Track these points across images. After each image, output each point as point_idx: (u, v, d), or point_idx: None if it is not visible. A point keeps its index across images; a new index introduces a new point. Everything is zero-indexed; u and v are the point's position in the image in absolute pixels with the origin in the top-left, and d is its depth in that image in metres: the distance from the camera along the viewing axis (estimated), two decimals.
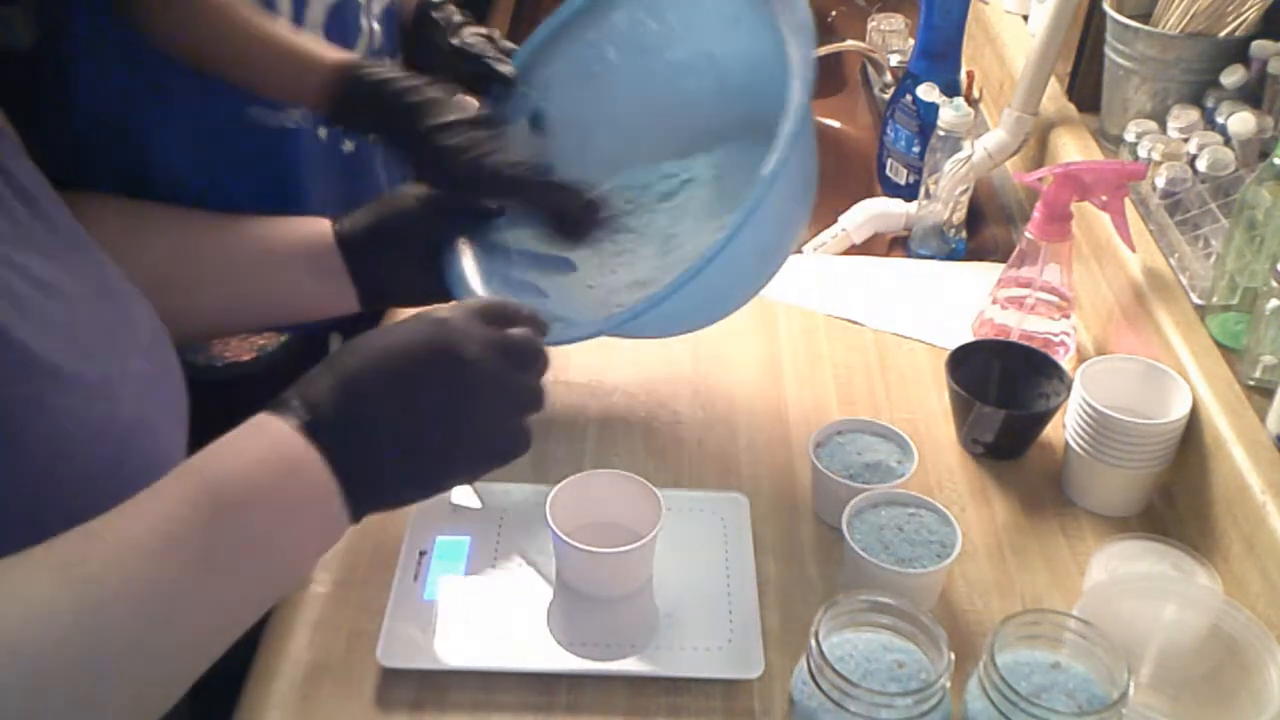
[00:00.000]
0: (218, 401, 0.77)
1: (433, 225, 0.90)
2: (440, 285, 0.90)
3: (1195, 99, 1.21)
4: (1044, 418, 1.02)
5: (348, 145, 1.10)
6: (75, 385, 0.58)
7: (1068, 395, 1.00)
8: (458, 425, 0.62)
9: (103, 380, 0.60)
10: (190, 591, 0.53)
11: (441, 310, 0.65)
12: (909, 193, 1.43)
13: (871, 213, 1.38)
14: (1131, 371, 0.99)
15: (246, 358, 1.11)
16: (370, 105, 0.91)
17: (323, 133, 1.07)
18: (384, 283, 0.90)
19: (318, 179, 1.07)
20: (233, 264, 0.87)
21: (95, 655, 0.49)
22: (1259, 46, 1.16)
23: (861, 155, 1.64)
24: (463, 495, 0.95)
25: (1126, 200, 1.07)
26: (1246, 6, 1.17)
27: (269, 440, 0.58)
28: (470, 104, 0.93)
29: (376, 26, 1.09)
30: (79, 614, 0.49)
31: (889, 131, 1.48)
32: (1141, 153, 1.16)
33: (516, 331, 0.66)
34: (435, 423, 0.61)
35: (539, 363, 0.67)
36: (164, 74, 0.96)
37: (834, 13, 2.00)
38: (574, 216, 0.93)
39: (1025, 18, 1.58)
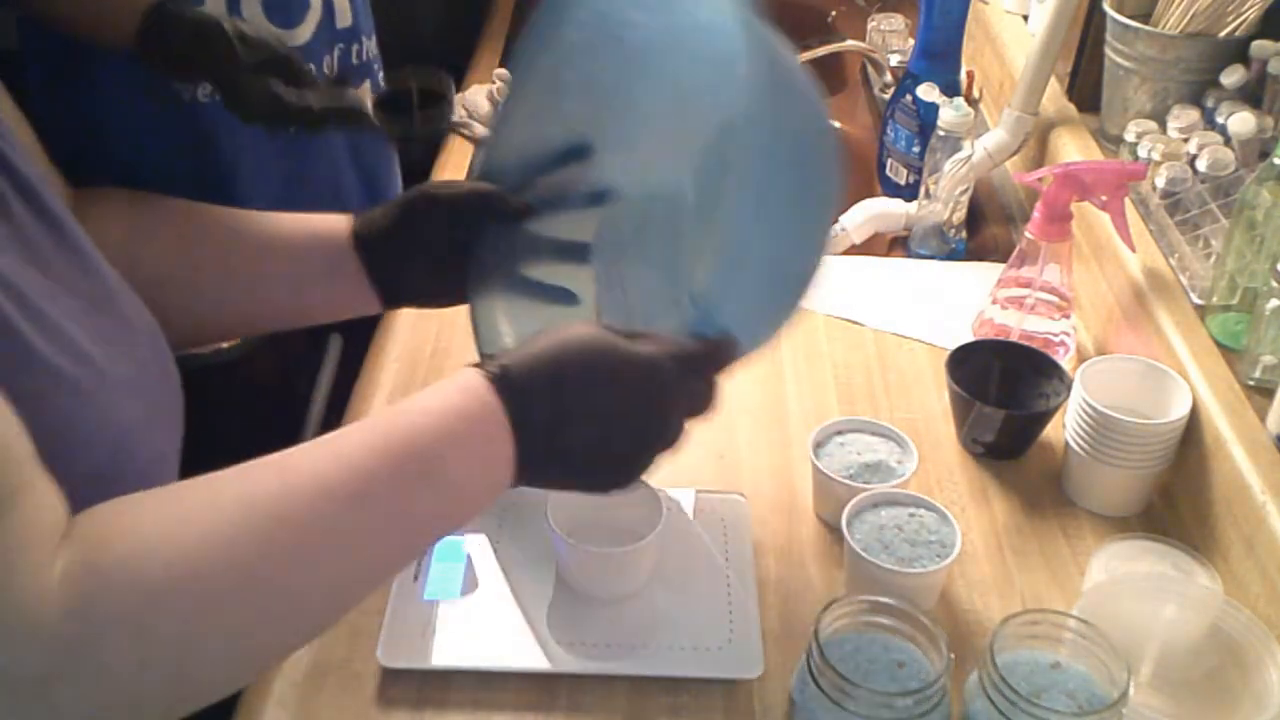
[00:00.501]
0: (205, 389, 0.77)
1: (456, 225, 0.86)
2: (461, 286, 0.87)
3: (1195, 99, 1.21)
4: (1044, 418, 1.02)
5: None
6: (75, 387, 0.59)
7: (1068, 395, 1.00)
8: (632, 432, 0.66)
9: (100, 383, 0.61)
10: (363, 523, 0.57)
11: (649, 342, 0.67)
12: (909, 193, 1.43)
13: (871, 213, 1.38)
14: (1131, 371, 0.99)
15: (226, 344, 1.11)
16: (181, 40, 0.91)
17: None
18: (404, 284, 0.87)
19: (247, 157, 1.07)
20: (241, 262, 0.84)
21: (270, 582, 0.54)
22: (1259, 46, 1.16)
23: (861, 155, 1.64)
24: None
25: (1126, 200, 1.07)
26: (1246, 6, 1.17)
27: (460, 384, 0.62)
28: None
29: (338, 2, 1.08)
30: (259, 542, 0.54)
31: (889, 131, 1.48)
32: (1141, 153, 1.16)
33: (702, 384, 0.69)
34: (612, 419, 0.65)
35: (703, 412, 0.69)
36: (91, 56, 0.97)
37: (834, 13, 2.00)
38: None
39: (1025, 18, 1.58)
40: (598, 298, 0.87)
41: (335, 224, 0.86)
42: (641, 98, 0.86)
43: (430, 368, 1.13)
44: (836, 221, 0.85)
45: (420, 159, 1.31)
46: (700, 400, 0.68)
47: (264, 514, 0.54)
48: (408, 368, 1.13)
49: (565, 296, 0.88)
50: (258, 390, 1.21)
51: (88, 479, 0.57)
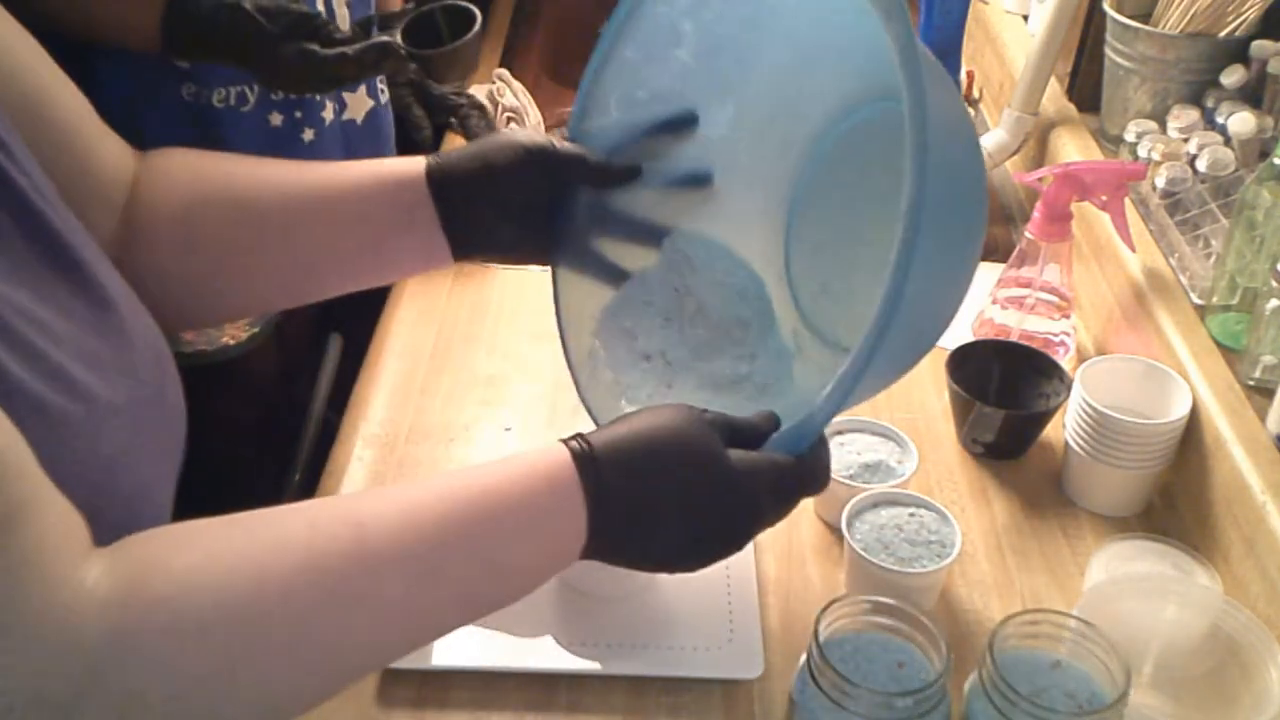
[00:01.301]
0: (206, 388, 0.76)
1: (539, 180, 0.79)
2: (535, 242, 0.82)
3: (1195, 99, 1.21)
4: (1044, 418, 1.02)
5: (308, 134, 1.10)
6: (58, 420, 0.56)
7: (1068, 395, 1.00)
8: (705, 534, 0.65)
9: (88, 414, 0.58)
10: (423, 597, 0.57)
11: (757, 463, 0.66)
12: None
13: None
14: (1131, 371, 0.99)
15: (232, 341, 1.11)
16: (204, 28, 0.92)
17: (277, 119, 1.07)
18: (477, 234, 0.80)
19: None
20: (305, 220, 0.78)
21: (314, 637, 0.54)
22: (1259, 46, 1.16)
23: None
24: None
25: (1126, 200, 1.07)
26: (1246, 6, 1.17)
27: (539, 455, 0.62)
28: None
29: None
30: (314, 594, 0.53)
31: None
32: (1141, 153, 1.16)
33: (786, 507, 0.69)
34: (691, 518, 0.64)
35: (774, 523, 0.69)
36: (92, 56, 0.97)
37: None
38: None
39: (1025, 18, 1.58)
40: (655, 292, 0.83)
41: (409, 167, 0.79)
42: (761, 52, 0.81)
43: (430, 368, 1.13)
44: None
45: (457, 80, 1.29)
46: (778, 517, 0.69)
47: (324, 569, 0.54)
48: (408, 368, 1.13)
49: (619, 279, 0.84)
50: (258, 390, 1.21)
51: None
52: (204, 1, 0.94)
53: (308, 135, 1.10)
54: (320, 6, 1.07)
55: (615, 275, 0.84)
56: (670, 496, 0.63)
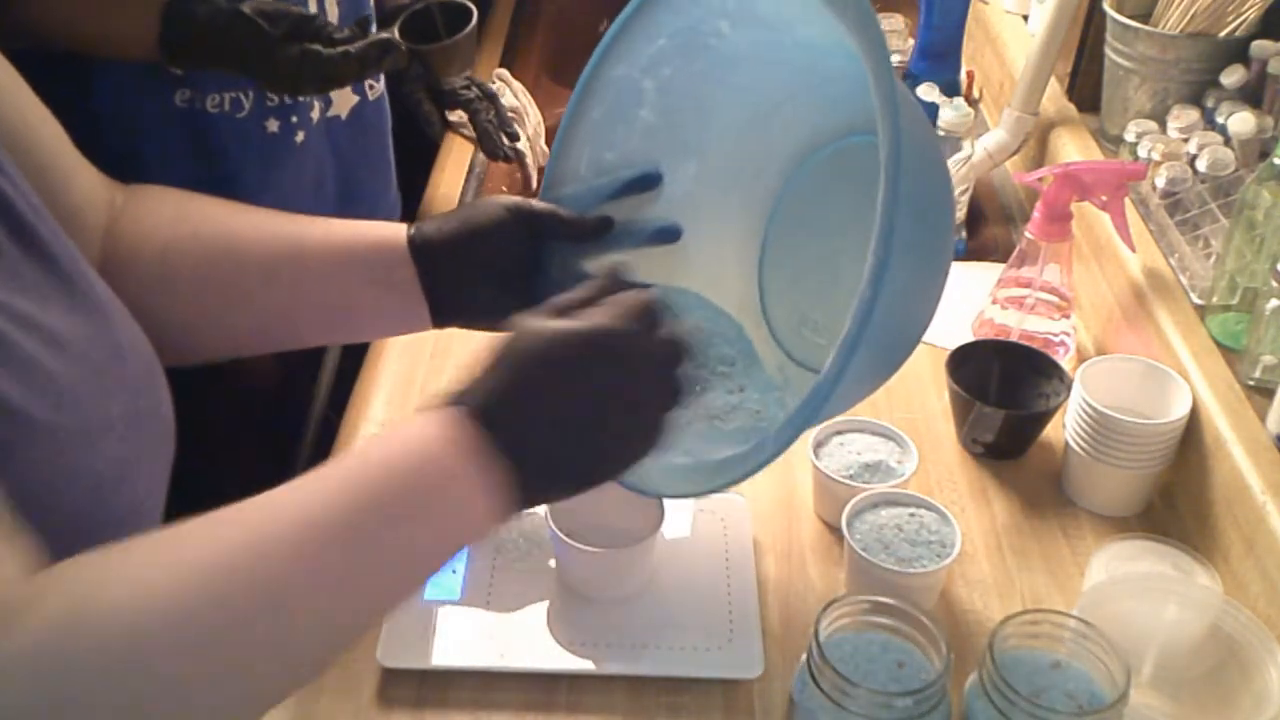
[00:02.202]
0: (205, 390, 0.76)
1: (520, 240, 0.80)
2: (517, 305, 0.78)
3: (1195, 99, 1.21)
4: (1044, 418, 1.02)
5: (299, 136, 1.10)
6: (50, 435, 0.56)
7: (1068, 395, 1.00)
8: (605, 418, 0.63)
9: (81, 429, 0.58)
10: (353, 561, 0.55)
11: (594, 313, 0.65)
12: None
13: None
14: (1131, 371, 0.99)
15: None
16: (202, 34, 0.92)
17: (273, 125, 1.07)
18: (459, 299, 0.80)
19: (254, 169, 1.07)
20: (282, 267, 0.78)
21: (259, 621, 0.52)
22: (1259, 46, 1.16)
23: None
24: None
25: (1126, 200, 1.07)
26: (1246, 6, 1.17)
27: (426, 420, 0.59)
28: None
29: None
30: (247, 581, 0.52)
31: None
32: (1141, 153, 1.16)
33: (662, 334, 0.66)
34: (587, 413, 0.62)
35: (679, 360, 0.67)
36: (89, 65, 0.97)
37: None
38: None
39: (1025, 18, 1.58)
40: None
41: (390, 231, 0.80)
42: (721, 105, 0.82)
43: (430, 368, 1.13)
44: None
45: (456, 74, 1.29)
46: (667, 352, 0.66)
47: (254, 554, 0.53)
48: (408, 368, 1.13)
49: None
50: (258, 391, 1.21)
51: (62, 525, 0.55)
52: (200, 9, 0.94)
53: (299, 137, 1.10)
54: (313, 7, 1.07)
55: None
56: (557, 399, 0.62)
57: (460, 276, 0.79)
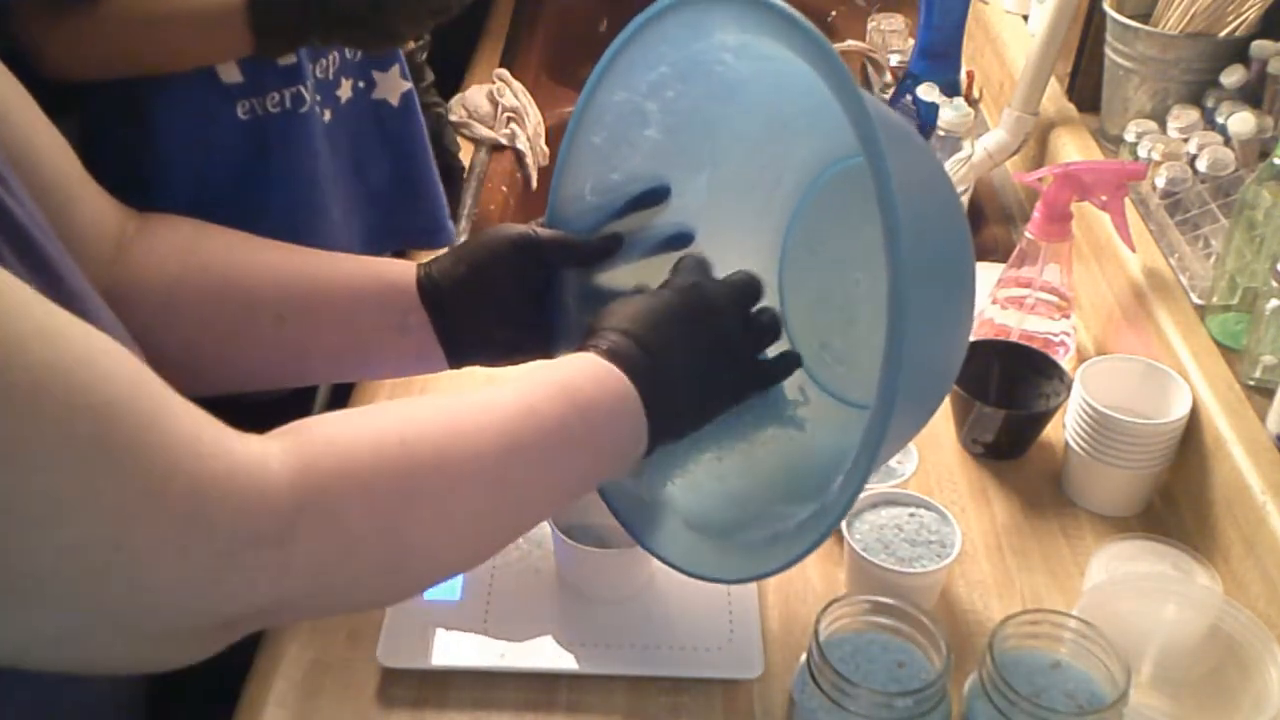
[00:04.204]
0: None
1: (530, 272, 0.79)
2: (533, 340, 0.81)
3: (1195, 99, 1.22)
4: (1044, 418, 1.02)
5: (335, 121, 1.09)
6: None
7: (1068, 395, 1.00)
8: (721, 374, 0.73)
9: None
10: (537, 455, 0.63)
11: (704, 283, 0.74)
12: None
13: None
14: (1131, 371, 0.99)
15: None
16: (290, 11, 0.91)
17: (327, 115, 1.06)
18: (476, 343, 0.80)
19: (309, 159, 1.05)
20: (293, 308, 0.77)
21: (470, 471, 0.59)
22: (1259, 46, 1.16)
23: None
24: None
25: (1126, 200, 1.07)
26: (1246, 6, 1.17)
27: (599, 368, 0.67)
28: None
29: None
30: (456, 437, 0.60)
31: None
32: (1141, 153, 1.16)
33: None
34: (707, 359, 0.72)
35: (773, 333, 0.76)
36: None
37: (834, 13, 2.01)
38: None
39: (1025, 18, 1.58)
40: None
41: (401, 272, 0.79)
42: (730, 121, 0.83)
43: None
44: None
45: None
46: (759, 325, 0.74)
47: (453, 417, 0.61)
48: None
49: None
50: (257, 391, 1.21)
51: None
52: None
53: (352, 123, 1.09)
54: None
55: None
56: (688, 358, 0.70)
57: (474, 320, 0.79)
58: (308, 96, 1.02)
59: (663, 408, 0.68)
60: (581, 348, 0.69)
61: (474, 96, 1.55)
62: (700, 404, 0.72)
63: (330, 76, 1.05)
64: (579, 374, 0.66)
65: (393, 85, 1.13)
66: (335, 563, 0.54)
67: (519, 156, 1.51)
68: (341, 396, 1.13)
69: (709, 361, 0.71)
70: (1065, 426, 1.00)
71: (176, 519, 0.48)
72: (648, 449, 0.68)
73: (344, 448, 0.55)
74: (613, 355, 0.68)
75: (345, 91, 1.09)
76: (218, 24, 0.92)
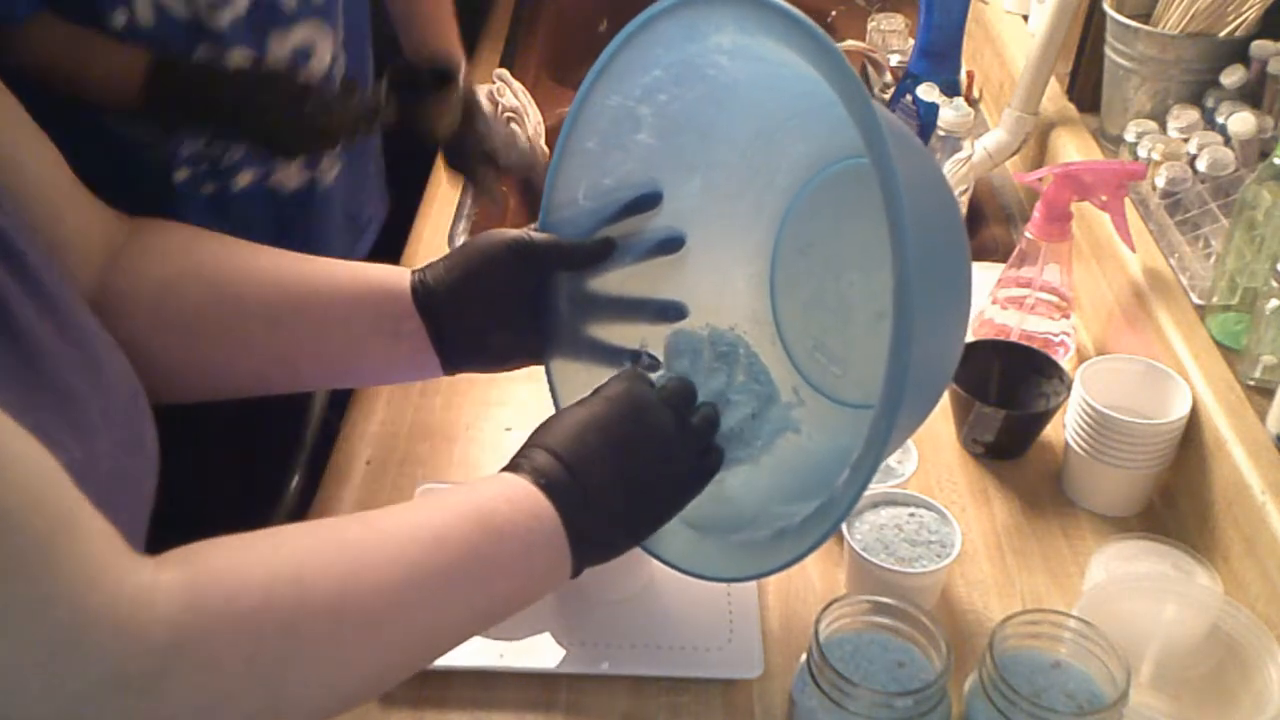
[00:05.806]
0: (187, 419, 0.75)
1: (524, 276, 0.79)
2: (526, 345, 0.82)
3: (1195, 99, 1.21)
4: (1044, 418, 1.02)
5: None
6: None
7: (1068, 395, 1.00)
8: (655, 484, 0.71)
9: (65, 461, 0.55)
10: (443, 586, 0.61)
11: (636, 390, 0.71)
12: None
13: None
14: (1131, 371, 0.99)
15: None
16: (187, 89, 0.92)
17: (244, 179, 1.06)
18: (470, 349, 0.80)
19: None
20: (285, 314, 0.76)
21: (359, 614, 0.57)
22: (1259, 46, 1.16)
23: None
24: None
25: (1126, 200, 1.07)
26: (1246, 6, 1.17)
27: (517, 489, 0.66)
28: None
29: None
30: (349, 576, 0.57)
31: None
32: (1141, 153, 1.16)
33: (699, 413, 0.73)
34: (639, 467, 0.69)
35: (712, 433, 0.74)
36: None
37: (834, 13, 2.00)
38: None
39: (1025, 18, 1.58)
40: (666, 364, 0.83)
41: (396, 279, 0.79)
42: (723, 124, 0.82)
43: None
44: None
45: (448, 125, 1.27)
46: (697, 428, 0.72)
47: (355, 552, 0.59)
48: None
49: (628, 359, 0.83)
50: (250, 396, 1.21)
51: None
52: (187, 66, 0.92)
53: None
54: (318, 63, 1.06)
55: (612, 355, 0.83)
56: (613, 463, 0.68)
57: (468, 326, 0.79)
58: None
59: (587, 524, 0.66)
60: (505, 468, 0.68)
61: None
62: (634, 514, 0.70)
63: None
64: (496, 496, 0.65)
65: (291, 174, 1.13)
66: (208, 708, 0.52)
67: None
68: (340, 399, 1.13)
69: (640, 469, 0.69)
70: (1065, 426, 1.00)
71: (53, 646, 0.47)
72: (574, 566, 0.67)
73: (234, 587, 0.53)
74: (534, 474, 0.66)
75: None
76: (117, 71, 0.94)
